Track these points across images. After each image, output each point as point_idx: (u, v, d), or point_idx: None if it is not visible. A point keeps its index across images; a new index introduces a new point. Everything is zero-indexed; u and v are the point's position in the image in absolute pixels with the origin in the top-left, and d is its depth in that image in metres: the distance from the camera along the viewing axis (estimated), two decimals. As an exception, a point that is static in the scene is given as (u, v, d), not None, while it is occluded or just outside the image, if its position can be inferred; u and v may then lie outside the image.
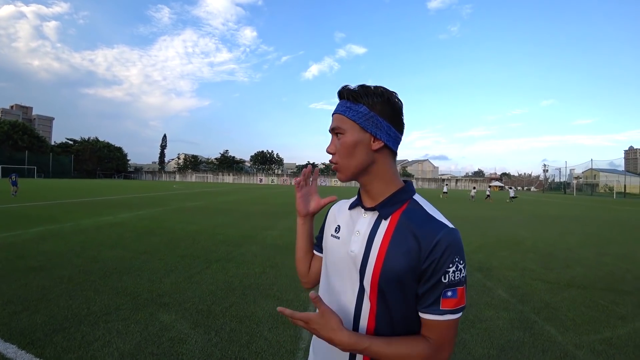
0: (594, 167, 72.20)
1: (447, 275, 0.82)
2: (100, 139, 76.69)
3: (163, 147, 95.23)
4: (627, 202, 37.36)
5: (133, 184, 41.76)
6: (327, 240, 1.05)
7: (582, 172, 75.14)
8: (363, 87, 0.94)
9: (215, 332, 3.26)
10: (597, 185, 71.08)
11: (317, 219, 1.14)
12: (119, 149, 79.78)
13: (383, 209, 0.92)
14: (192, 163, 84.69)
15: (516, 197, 26.51)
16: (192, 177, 73.87)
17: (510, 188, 26.39)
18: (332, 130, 0.97)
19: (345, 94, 0.96)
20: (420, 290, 0.85)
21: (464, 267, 0.84)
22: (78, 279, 4.62)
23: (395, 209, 0.92)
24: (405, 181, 1.01)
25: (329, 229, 1.07)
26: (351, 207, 1.03)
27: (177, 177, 74.93)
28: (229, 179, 72.37)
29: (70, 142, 73.59)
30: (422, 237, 0.84)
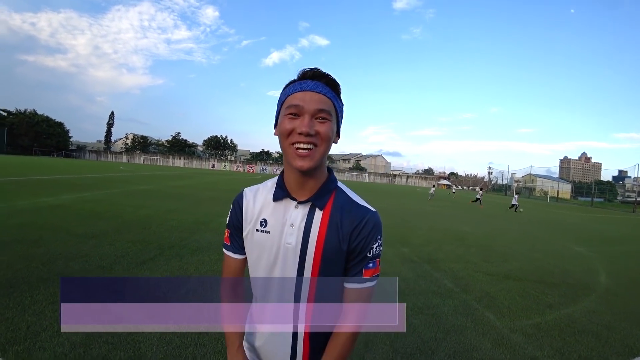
0: (532, 172, 78.69)
1: (371, 251, 0.98)
2: (39, 112, 69.83)
3: (110, 125, 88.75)
4: (558, 205, 41.38)
5: (75, 163, 38.70)
6: (253, 236, 1.01)
7: (522, 177, 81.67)
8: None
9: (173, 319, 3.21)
10: (534, 189, 77.55)
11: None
12: (60, 125, 73.10)
13: (318, 201, 0.97)
14: (141, 144, 79.80)
15: (479, 199, 26.67)
16: (141, 159, 69.88)
17: (516, 194, 26.43)
18: (318, 112, 0.91)
19: (329, 80, 0.95)
20: (349, 264, 0.98)
21: (382, 242, 1.01)
22: (18, 266, 4.26)
23: (327, 199, 0.99)
24: (328, 170, 1.05)
25: (251, 225, 1.02)
26: (275, 198, 1.00)
27: (125, 159, 70.41)
28: (179, 162, 69.46)
29: (4, 113, 65.81)
30: (353, 221, 0.96)
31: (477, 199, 26.72)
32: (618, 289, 5.70)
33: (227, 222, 1.11)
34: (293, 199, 0.99)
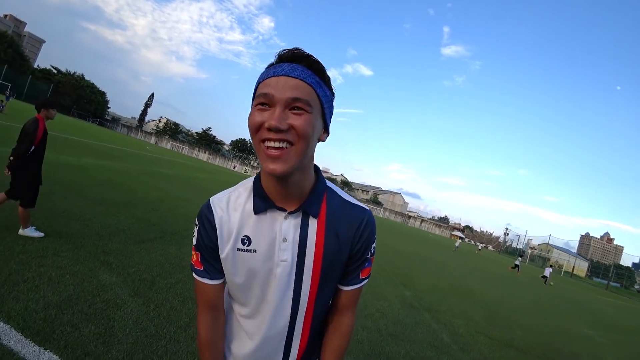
0: (550, 242, 76.06)
1: (370, 251, 0.92)
2: (86, 78, 73.21)
3: (147, 105, 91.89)
4: (571, 281, 39.46)
5: (106, 133, 39.98)
6: (235, 257, 0.84)
7: (538, 245, 79.01)
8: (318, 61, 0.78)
9: (155, 305, 3.06)
10: (549, 259, 74.76)
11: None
12: (102, 94, 76.28)
13: (311, 207, 0.83)
14: (172, 130, 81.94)
15: (518, 266, 24.03)
16: (168, 144, 71.45)
17: (550, 267, 23.06)
18: (293, 101, 0.72)
19: (311, 62, 0.76)
20: (348, 268, 0.91)
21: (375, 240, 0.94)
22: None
23: (320, 204, 0.85)
24: (315, 169, 0.88)
25: (230, 244, 0.84)
26: (257, 211, 0.83)
27: (153, 140, 72.15)
28: (203, 156, 70.58)
29: (54, 71, 69.33)
30: (352, 224, 0.86)
31: (516, 265, 24.20)
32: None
33: (194, 242, 0.89)
34: (280, 209, 0.82)
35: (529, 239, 78.20)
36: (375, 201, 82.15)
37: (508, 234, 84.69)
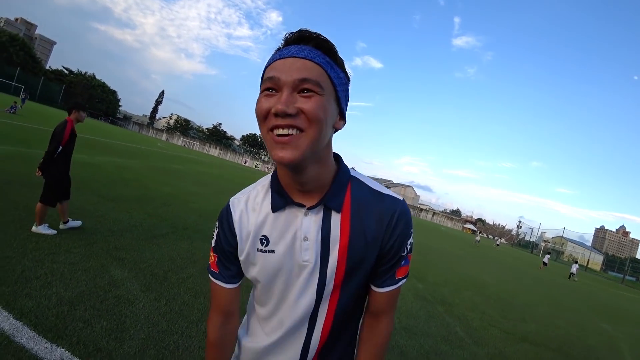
0: (564, 235, 74.77)
1: (406, 248, 0.80)
2: (97, 77, 74.20)
3: (158, 102, 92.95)
4: (586, 275, 38.72)
5: (117, 131, 40.52)
6: (256, 257, 0.80)
7: (552, 238, 77.64)
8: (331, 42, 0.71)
9: (167, 300, 3.06)
10: (563, 253, 73.53)
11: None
12: (113, 93, 77.23)
13: (332, 201, 0.76)
14: (183, 127, 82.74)
15: (574, 274, 22.85)
16: (179, 141, 72.16)
17: (575, 263, 23.06)
18: (301, 82, 0.65)
19: (320, 41, 0.69)
20: (381, 268, 0.79)
21: (413, 232, 0.82)
22: (34, 209, 4.22)
23: (343, 196, 0.77)
24: (336, 157, 0.81)
25: (249, 245, 0.80)
26: (275, 209, 0.78)
27: (164, 137, 72.91)
28: (214, 152, 71.09)
29: (66, 72, 70.42)
30: (381, 218, 0.76)
31: (545, 263, 24.26)
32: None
33: (212, 244, 0.86)
34: (299, 204, 0.76)
35: (542, 232, 76.95)
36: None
37: (521, 226, 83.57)
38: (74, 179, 6.51)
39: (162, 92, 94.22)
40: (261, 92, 0.68)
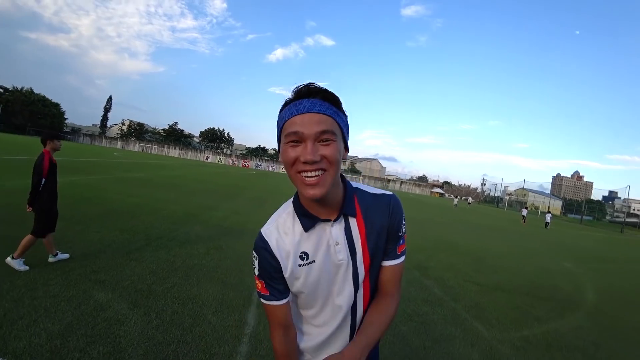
0: (525, 187, 79.44)
1: (402, 229, 1.05)
2: (36, 91, 68.64)
3: (107, 109, 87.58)
4: (541, 220, 41.50)
5: (68, 146, 38.08)
6: (298, 272, 0.97)
7: (515, 190, 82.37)
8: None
9: (157, 313, 3.11)
10: (526, 203, 78.36)
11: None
12: (56, 105, 71.94)
13: (348, 211, 0.97)
14: (137, 131, 78.85)
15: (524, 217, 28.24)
16: (136, 147, 69.02)
17: (549, 213, 27.92)
18: (320, 134, 0.83)
19: (327, 94, 0.86)
20: (388, 247, 1.03)
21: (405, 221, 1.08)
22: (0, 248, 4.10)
23: (354, 205, 0.99)
24: (341, 177, 1.01)
25: (291, 263, 0.97)
26: (307, 228, 0.96)
27: (119, 145, 69.40)
28: (174, 152, 68.83)
29: (1, 90, 64.91)
30: (383, 211, 1.00)
31: (523, 216, 28.30)
32: (605, 306, 5.70)
33: (256, 273, 1.00)
34: (325, 220, 0.96)
35: (505, 187, 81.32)
36: (353, 170, 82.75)
37: (485, 184, 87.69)
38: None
39: (110, 98, 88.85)
40: (285, 142, 0.85)
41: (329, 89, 0.87)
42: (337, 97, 0.88)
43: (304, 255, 0.97)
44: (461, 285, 5.57)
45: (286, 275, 0.98)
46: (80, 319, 2.83)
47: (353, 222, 0.98)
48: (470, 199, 52.82)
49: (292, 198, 1.02)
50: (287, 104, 0.87)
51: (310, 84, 0.87)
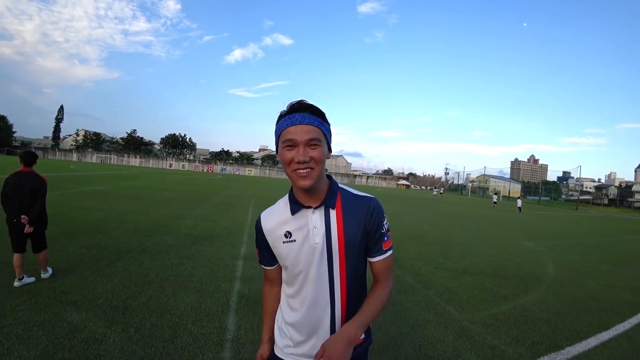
0: (486, 173, 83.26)
1: (384, 227, 1.20)
2: (-24, 106, 63.65)
3: (59, 120, 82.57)
4: (510, 204, 43.82)
5: (17, 162, 35.68)
6: (281, 249, 1.19)
7: (477, 177, 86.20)
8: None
9: (135, 328, 3.07)
10: (488, 188, 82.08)
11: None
12: (2, 118, 67.12)
13: (329, 202, 1.16)
14: (94, 141, 75.04)
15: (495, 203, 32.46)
16: (93, 158, 65.82)
17: (519, 199, 31.64)
18: (309, 141, 1.07)
19: (313, 109, 1.12)
20: (369, 243, 1.19)
21: (387, 220, 1.24)
22: None
23: (335, 199, 1.18)
24: (328, 176, 1.23)
25: (275, 240, 1.20)
26: (293, 212, 1.17)
27: (75, 157, 65.71)
28: (135, 161, 66.28)
29: None
30: (362, 210, 1.17)
31: (495, 202, 32.19)
32: (564, 279, 6.20)
33: (255, 243, 1.30)
34: (308, 207, 1.16)
35: (467, 174, 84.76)
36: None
37: (448, 173, 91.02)
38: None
39: (62, 108, 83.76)
40: (283, 147, 1.09)
41: (315, 105, 1.12)
42: (322, 111, 1.13)
43: (288, 234, 1.17)
44: (432, 273, 5.85)
45: (275, 250, 1.22)
46: (56, 343, 2.74)
47: (332, 212, 1.16)
48: (441, 189, 55.23)
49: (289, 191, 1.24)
50: (282, 116, 1.11)
51: (301, 101, 1.11)
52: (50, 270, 4.21)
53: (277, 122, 1.14)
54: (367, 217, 1.17)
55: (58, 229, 6.56)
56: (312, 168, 1.08)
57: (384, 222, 1.21)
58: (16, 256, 3.82)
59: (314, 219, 1.16)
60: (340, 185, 1.24)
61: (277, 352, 1.28)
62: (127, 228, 7.27)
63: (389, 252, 1.22)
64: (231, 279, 4.64)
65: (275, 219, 1.22)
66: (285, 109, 1.13)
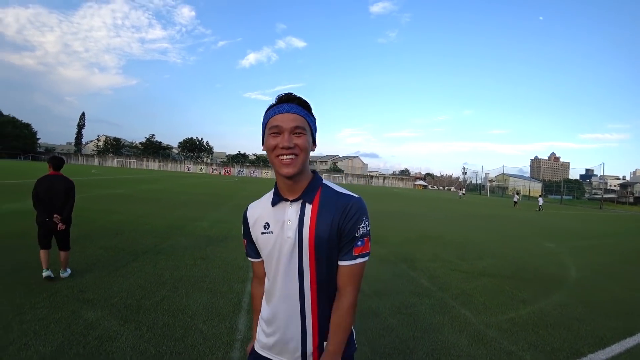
0: (505, 172, 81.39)
1: (358, 231, 1.12)
2: (5, 113, 66.49)
3: (81, 126, 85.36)
4: (530, 203, 42.67)
5: (43, 167, 36.94)
6: (260, 239, 1.20)
7: (495, 176, 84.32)
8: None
9: (148, 327, 3.12)
10: (507, 188, 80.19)
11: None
12: (27, 126, 69.77)
13: (307, 196, 1.15)
14: (114, 146, 77.10)
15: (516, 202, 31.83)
16: (113, 162, 67.61)
17: (540, 197, 32.04)
18: (294, 128, 1.09)
19: (300, 101, 1.15)
20: (341, 245, 1.13)
21: (368, 224, 1.16)
22: None
23: (314, 194, 1.15)
24: (313, 171, 1.22)
25: (256, 231, 1.21)
26: (273, 204, 1.18)
27: (96, 161, 67.77)
28: (154, 165, 67.73)
29: (-32, 114, 62.22)
30: (339, 207, 1.12)
31: (515, 202, 31.70)
32: (587, 282, 5.96)
33: (242, 234, 1.32)
34: (286, 199, 1.16)
35: (486, 173, 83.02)
36: (335, 169, 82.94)
37: (466, 172, 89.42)
38: (10, 234, 6.10)
39: (83, 114, 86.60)
40: (269, 134, 1.10)
41: (302, 97, 1.14)
42: (308, 103, 1.15)
43: (267, 225, 1.18)
44: (447, 275, 5.72)
45: (254, 239, 1.23)
46: (71, 339, 2.81)
47: (308, 207, 1.14)
48: (463, 190, 54.15)
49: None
50: (271, 107, 1.13)
51: (288, 93, 1.13)
52: (69, 270, 4.32)
53: (265, 112, 1.15)
54: (342, 216, 1.11)
55: (79, 230, 6.73)
56: (296, 155, 1.08)
57: (361, 225, 1.12)
58: (43, 252, 4.09)
59: (290, 212, 1.14)
60: (325, 181, 1.21)
61: (256, 347, 1.28)
62: (144, 230, 7.42)
63: (359, 260, 1.13)
64: (244, 280, 4.66)
65: (259, 210, 1.24)
66: (273, 101, 1.15)
